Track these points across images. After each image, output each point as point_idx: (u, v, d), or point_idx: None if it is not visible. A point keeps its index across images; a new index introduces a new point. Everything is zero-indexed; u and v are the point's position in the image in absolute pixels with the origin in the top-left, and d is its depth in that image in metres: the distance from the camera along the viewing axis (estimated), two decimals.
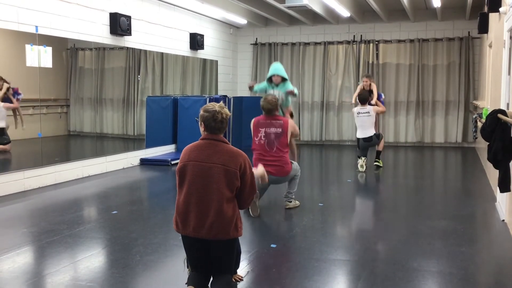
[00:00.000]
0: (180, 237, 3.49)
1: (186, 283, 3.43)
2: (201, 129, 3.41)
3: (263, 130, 5.78)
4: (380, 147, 9.06)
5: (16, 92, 7.37)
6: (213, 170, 3.27)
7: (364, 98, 8.84)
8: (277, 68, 6.51)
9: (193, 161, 3.30)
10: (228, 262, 3.42)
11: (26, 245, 4.69)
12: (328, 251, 4.53)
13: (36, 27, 7.17)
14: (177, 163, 3.25)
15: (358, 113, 8.81)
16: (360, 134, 8.84)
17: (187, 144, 3.52)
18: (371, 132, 8.77)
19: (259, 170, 3.69)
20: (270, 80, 6.54)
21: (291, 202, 6.04)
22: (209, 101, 7.76)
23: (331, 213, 6.02)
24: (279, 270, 4.06)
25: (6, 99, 7.26)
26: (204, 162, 3.29)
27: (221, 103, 3.43)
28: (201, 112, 3.40)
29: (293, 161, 5.93)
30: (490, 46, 8.30)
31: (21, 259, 4.32)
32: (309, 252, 4.47)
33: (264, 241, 4.80)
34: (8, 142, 7.36)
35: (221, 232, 3.28)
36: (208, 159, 3.29)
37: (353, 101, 9.46)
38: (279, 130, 5.68)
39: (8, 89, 7.24)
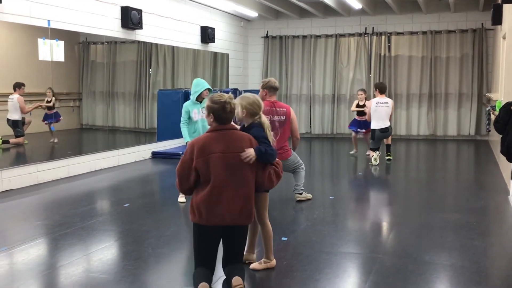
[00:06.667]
0: (192, 229, 3.51)
1: (196, 281, 3.32)
2: (210, 120, 3.40)
3: (268, 118, 5.76)
4: (389, 140, 9.05)
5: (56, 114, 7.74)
6: (236, 159, 3.32)
7: (383, 87, 8.92)
8: (203, 82, 5.99)
9: (215, 153, 3.30)
10: (243, 248, 3.54)
11: (40, 238, 4.75)
12: (339, 244, 4.53)
13: (48, 21, 7.21)
14: None
15: (377, 103, 8.67)
16: (377, 125, 8.64)
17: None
18: (387, 123, 8.67)
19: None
20: (199, 96, 5.95)
21: (301, 194, 6.06)
22: None
23: (342, 206, 6.02)
24: (290, 263, 4.07)
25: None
26: (225, 152, 3.31)
27: (230, 94, 3.44)
28: (209, 103, 3.38)
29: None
30: (504, 37, 8.19)
31: (35, 251, 4.38)
32: (320, 245, 4.48)
33: (275, 234, 4.77)
34: (22, 135, 7.44)
35: (249, 217, 3.39)
36: (228, 149, 3.32)
37: (352, 110, 9.82)
38: (283, 118, 5.67)
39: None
